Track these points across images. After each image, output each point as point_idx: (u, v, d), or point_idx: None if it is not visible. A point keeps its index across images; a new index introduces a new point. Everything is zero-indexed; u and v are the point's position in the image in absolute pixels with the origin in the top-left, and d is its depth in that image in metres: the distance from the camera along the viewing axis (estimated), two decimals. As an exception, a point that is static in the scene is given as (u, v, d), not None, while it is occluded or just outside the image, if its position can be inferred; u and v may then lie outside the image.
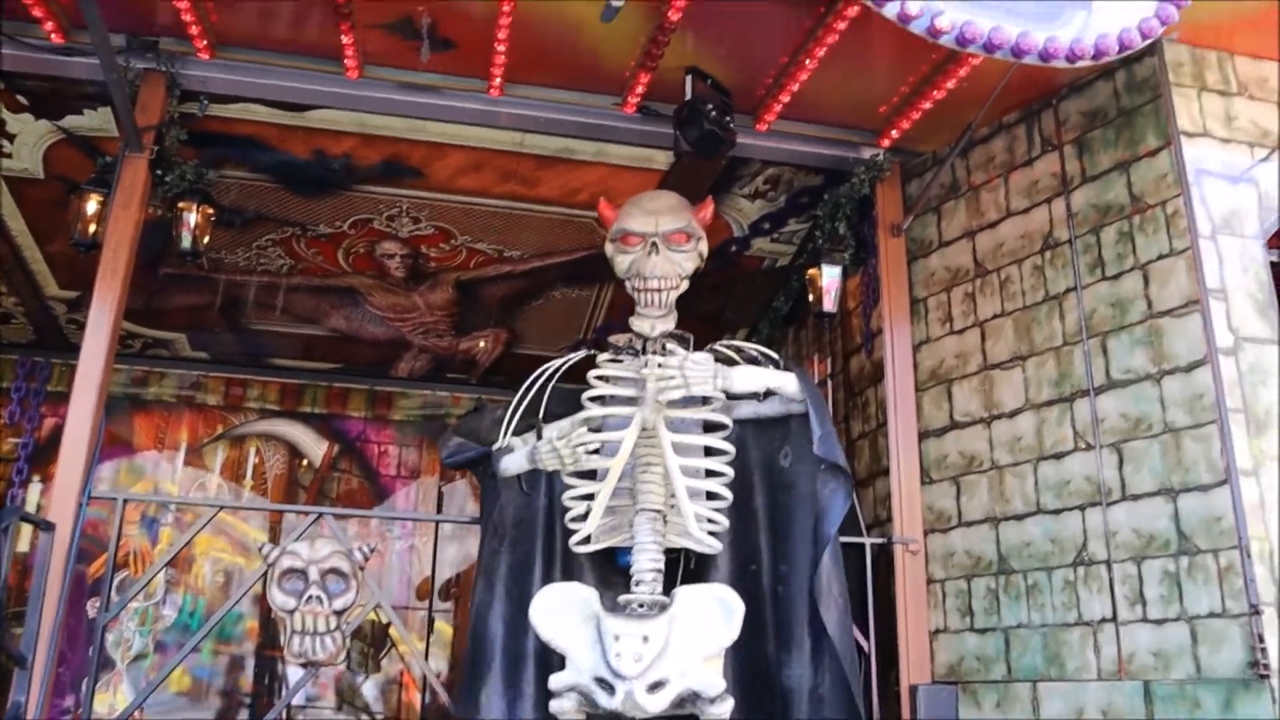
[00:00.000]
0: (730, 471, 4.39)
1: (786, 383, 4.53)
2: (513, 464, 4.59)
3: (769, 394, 4.58)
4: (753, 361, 4.60)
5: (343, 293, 7.68)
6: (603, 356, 4.52)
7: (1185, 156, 4.67)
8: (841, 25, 4.62)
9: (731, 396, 4.49)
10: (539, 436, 4.55)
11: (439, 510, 9.30)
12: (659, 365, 4.26)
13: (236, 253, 7.08)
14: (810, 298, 6.10)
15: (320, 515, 5.13)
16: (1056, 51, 3.61)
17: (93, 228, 5.46)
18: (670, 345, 4.44)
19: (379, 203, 6.50)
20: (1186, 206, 4.60)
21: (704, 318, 5.31)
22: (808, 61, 4.87)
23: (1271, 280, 4.65)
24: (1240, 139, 4.85)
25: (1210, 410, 4.34)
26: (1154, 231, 4.74)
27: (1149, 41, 3.81)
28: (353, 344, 8.50)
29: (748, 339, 7.42)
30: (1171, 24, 3.83)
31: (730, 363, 4.52)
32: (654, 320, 4.52)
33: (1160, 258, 4.69)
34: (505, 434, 4.66)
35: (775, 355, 4.69)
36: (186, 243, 5.60)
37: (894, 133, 5.59)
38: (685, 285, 4.63)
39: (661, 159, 5.88)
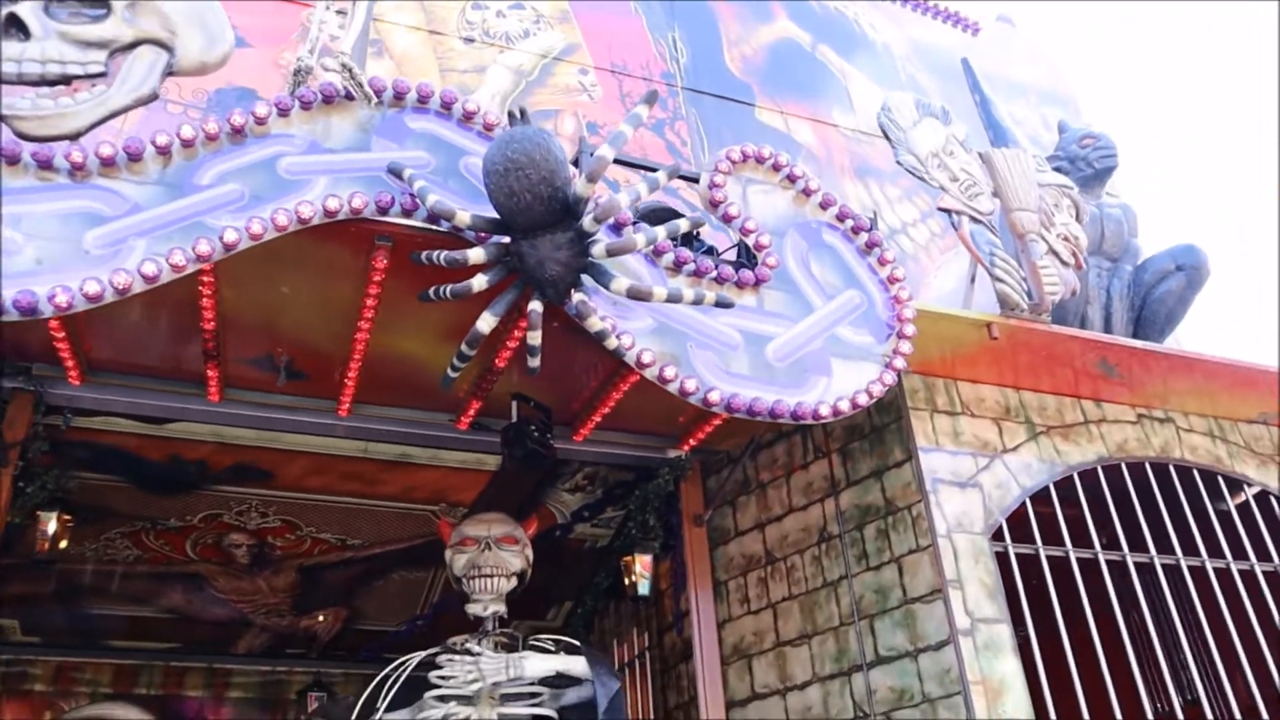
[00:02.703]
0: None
1: (574, 664, 5.28)
2: None
3: (561, 676, 5.26)
4: (544, 649, 5.34)
5: (186, 577, 7.92)
6: (442, 656, 5.19)
7: (923, 467, 5.73)
8: (641, 370, 5.54)
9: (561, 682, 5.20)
10: None
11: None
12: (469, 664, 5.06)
13: (83, 544, 7.27)
14: (626, 581, 6.84)
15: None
16: (804, 414, 4.60)
17: (-57, 537, 5.77)
18: (474, 645, 5.21)
19: (229, 500, 6.94)
20: (926, 510, 5.61)
21: (532, 592, 5.98)
22: (614, 393, 5.77)
23: (998, 569, 5.65)
24: (966, 450, 5.95)
25: (956, 683, 5.20)
26: (904, 530, 5.73)
27: (875, 400, 4.85)
28: (192, 623, 8.63)
29: (573, 612, 8.11)
30: (891, 385, 4.90)
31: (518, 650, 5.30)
32: (486, 602, 5.39)
33: (910, 552, 5.65)
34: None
35: (574, 641, 5.46)
36: (44, 549, 5.94)
37: (692, 440, 6.48)
38: (514, 582, 5.42)
39: (491, 461, 6.59)
